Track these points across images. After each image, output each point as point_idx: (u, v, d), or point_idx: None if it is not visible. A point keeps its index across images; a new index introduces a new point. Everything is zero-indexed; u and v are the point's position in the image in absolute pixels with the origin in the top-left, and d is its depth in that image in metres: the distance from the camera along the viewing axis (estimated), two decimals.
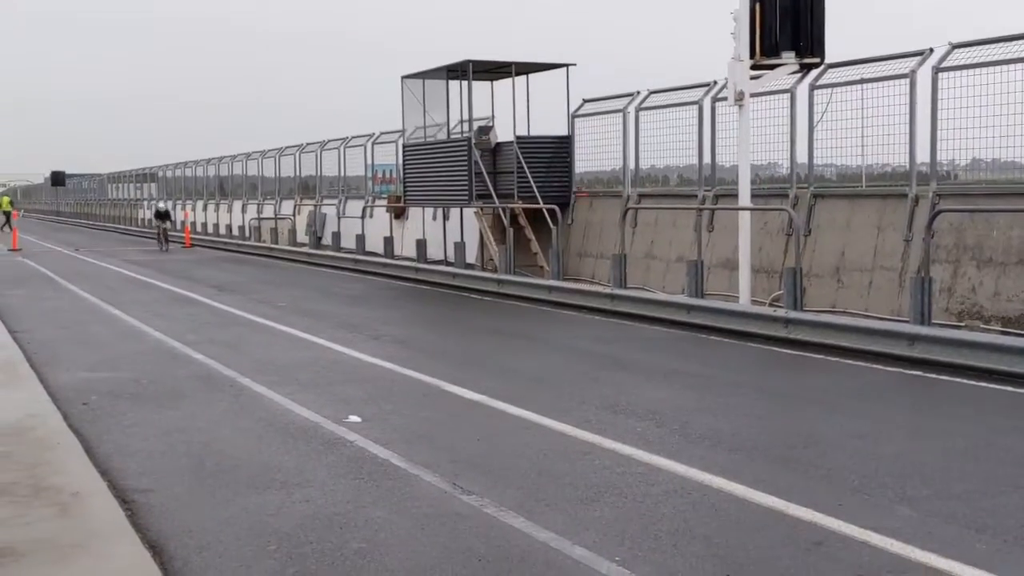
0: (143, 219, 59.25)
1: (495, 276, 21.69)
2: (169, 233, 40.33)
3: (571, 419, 9.51)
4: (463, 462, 8.12)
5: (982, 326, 13.65)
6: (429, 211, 27.67)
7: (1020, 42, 13.58)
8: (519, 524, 6.55)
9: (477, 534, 6.41)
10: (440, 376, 11.76)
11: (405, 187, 27.21)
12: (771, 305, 16.36)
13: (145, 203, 60.92)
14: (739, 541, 6.26)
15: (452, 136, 24.95)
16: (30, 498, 7.06)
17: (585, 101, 23.67)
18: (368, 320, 17.52)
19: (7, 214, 58.10)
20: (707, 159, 19.76)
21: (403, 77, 26.01)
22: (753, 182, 19.03)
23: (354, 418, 9.63)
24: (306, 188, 39.83)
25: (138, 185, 64.85)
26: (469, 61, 23.32)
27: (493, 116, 26.44)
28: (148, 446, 8.74)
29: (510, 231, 22.14)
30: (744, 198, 16.66)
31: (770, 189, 18.68)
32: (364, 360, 13.13)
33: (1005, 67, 13.67)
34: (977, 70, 14.13)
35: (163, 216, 40.25)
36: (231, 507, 6.96)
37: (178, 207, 53.83)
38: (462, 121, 24.98)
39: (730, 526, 6.55)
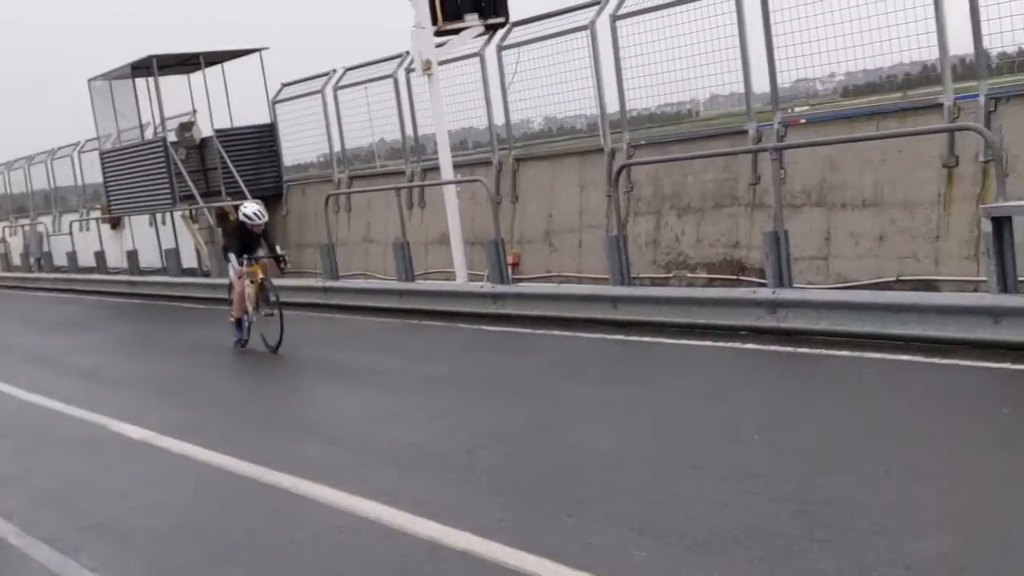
0: None
1: (207, 281, 20.37)
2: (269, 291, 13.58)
3: (237, 449, 8.48)
4: (93, 528, 7.02)
5: (688, 275, 13.35)
6: (144, 219, 25.93)
7: None
8: None
9: None
10: (112, 412, 10.50)
11: (108, 196, 25.39)
12: (486, 280, 15.69)
13: None
14: None
15: (147, 138, 23.29)
16: None
17: (284, 85, 22.50)
18: (62, 350, 15.99)
19: None
20: (411, 131, 18.98)
21: (89, 80, 24.17)
22: (462, 147, 18.35)
23: None
24: (21, 209, 37.08)
25: None
26: (152, 56, 21.75)
27: (195, 111, 24.83)
28: None
29: (218, 231, 20.83)
30: (446, 171, 15.90)
31: (476, 156, 17.93)
32: (32, 403, 11.75)
33: (673, 8, 13.31)
34: (652, 14, 13.72)
35: (249, 240, 13.53)
36: None
37: None
38: (161, 120, 23.35)
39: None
